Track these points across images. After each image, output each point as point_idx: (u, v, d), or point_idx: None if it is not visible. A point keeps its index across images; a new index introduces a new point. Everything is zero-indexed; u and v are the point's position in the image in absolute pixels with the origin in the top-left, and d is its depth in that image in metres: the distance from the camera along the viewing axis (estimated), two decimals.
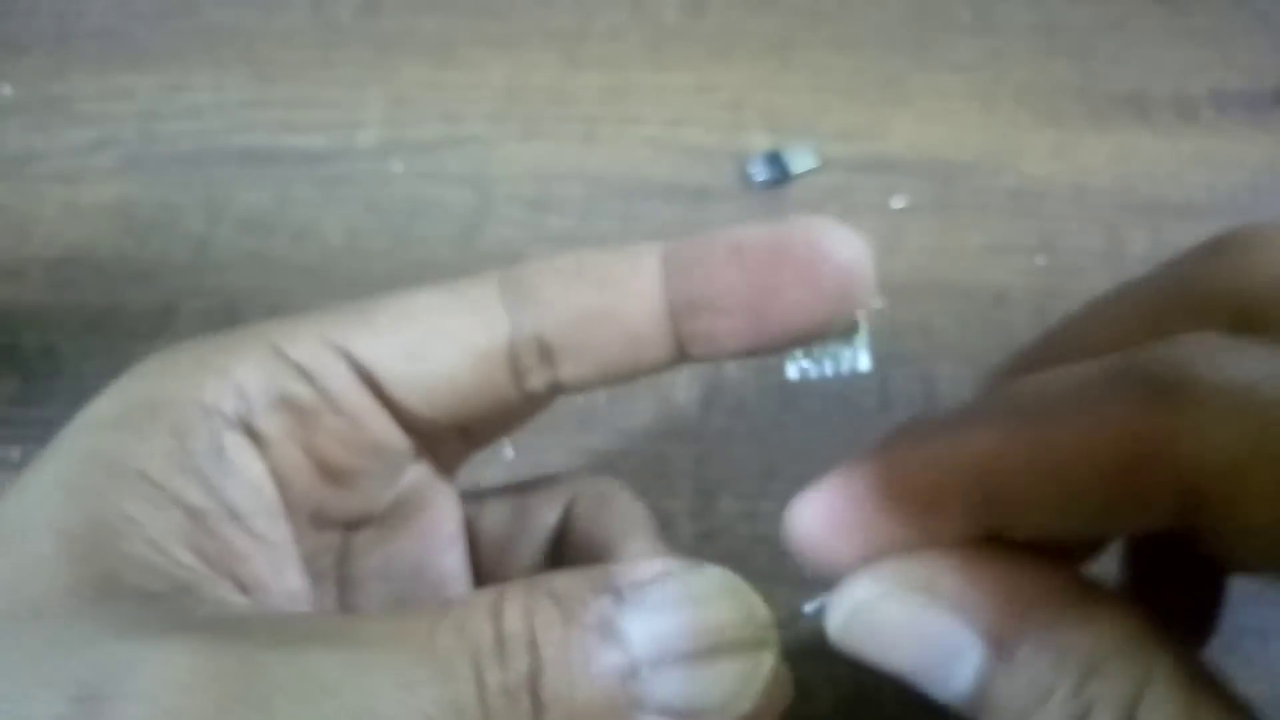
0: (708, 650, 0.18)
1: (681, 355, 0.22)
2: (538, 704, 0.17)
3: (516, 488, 0.27)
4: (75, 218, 0.45)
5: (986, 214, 0.44)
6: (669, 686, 0.17)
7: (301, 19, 0.50)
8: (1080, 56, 0.48)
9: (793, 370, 0.23)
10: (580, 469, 0.27)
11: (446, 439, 0.24)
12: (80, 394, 0.20)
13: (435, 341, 0.21)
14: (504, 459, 0.38)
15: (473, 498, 0.26)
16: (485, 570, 0.26)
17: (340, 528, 0.23)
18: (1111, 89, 0.47)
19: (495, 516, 0.26)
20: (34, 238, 0.45)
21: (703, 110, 0.47)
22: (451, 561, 0.25)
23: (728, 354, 0.22)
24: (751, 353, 0.22)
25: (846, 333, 0.22)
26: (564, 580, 0.18)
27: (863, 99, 0.47)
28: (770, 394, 0.40)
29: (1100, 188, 0.45)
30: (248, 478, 0.20)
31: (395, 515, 0.24)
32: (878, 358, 0.40)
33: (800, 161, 0.45)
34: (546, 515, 0.26)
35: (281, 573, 0.21)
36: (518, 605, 0.18)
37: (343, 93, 0.48)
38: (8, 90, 0.49)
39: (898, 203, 0.44)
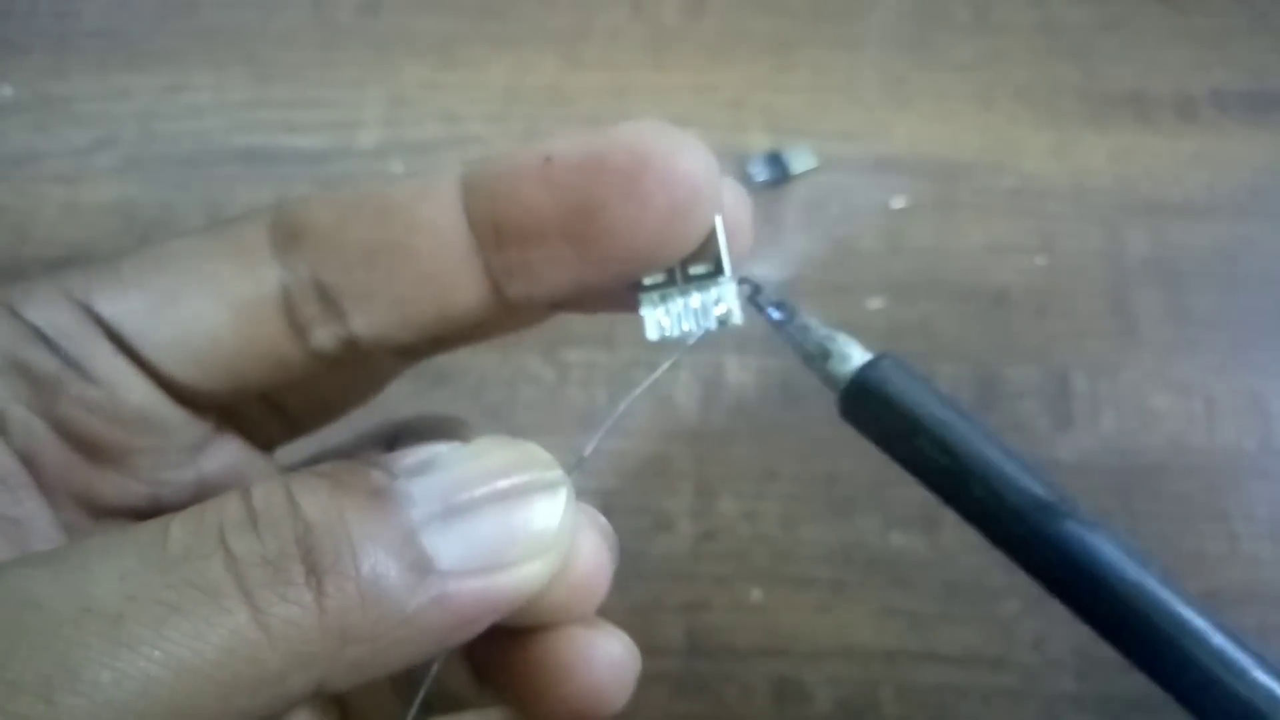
0: (498, 496, 0.16)
1: (499, 297, 0.19)
2: (314, 571, 0.15)
3: (344, 449, 0.24)
4: (75, 218, 0.45)
5: (986, 214, 0.44)
6: (464, 540, 0.16)
7: (301, 19, 0.50)
8: (1080, 56, 0.48)
9: (651, 327, 0.20)
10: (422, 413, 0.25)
11: (254, 415, 0.22)
12: None
13: (189, 291, 0.19)
14: None
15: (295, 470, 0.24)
16: None
17: (130, 516, 0.21)
18: (1111, 89, 0.47)
19: None
20: (34, 238, 0.45)
21: (703, 110, 0.47)
22: None
23: (553, 293, 0.19)
24: (584, 292, 0.19)
25: (706, 275, 0.19)
26: (328, 464, 0.16)
27: (863, 99, 0.47)
28: (770, 394, 0.40)
29: (1100, 188, 0.45)
30: None
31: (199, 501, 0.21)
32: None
33: (800, 161, 0.45)
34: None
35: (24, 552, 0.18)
36: (271, 484, 0.16)
37: (343, 93, 0.48)
38: (8, 90, 0.49)
39: (898, 203, 0.44)
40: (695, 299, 0.19)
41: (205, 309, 0.19)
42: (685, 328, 0.19)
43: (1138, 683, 0.38)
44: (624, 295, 0.20)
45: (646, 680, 0.34)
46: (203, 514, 0.15)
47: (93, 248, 0.44)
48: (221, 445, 0.21)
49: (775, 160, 0.45)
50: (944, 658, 0.36)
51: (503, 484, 0.16)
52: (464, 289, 0.19)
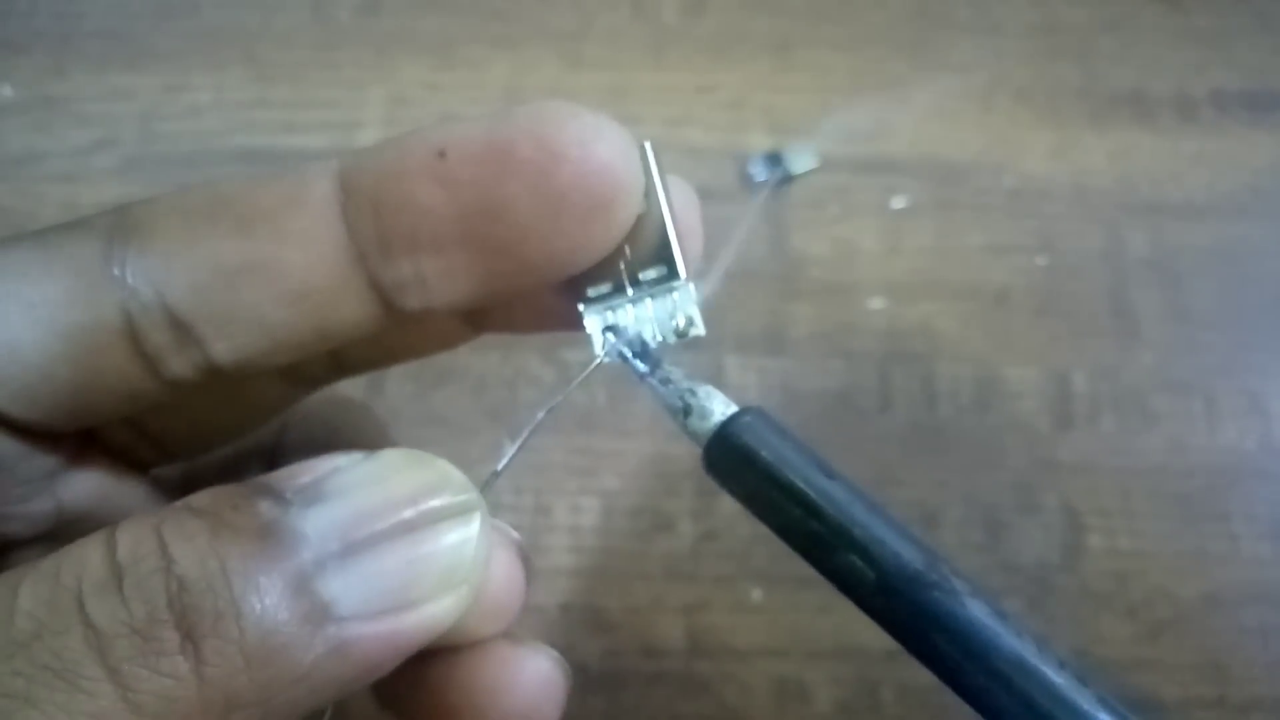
0: (404, 527, 0.14)
1: (390, 309, 0.16)
2: (190, 637, 0.13)
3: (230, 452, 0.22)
4: (75, 218, 0.45)
5: (986, 214, 0.44)
6: (366, 582, 0.14)
7: (301, 19, 0.50)
8: (1080, 56, 0.48)
9: (600, 345, 0.17)
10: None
11: (121, 438, 0.19)
12: None
13: (8, 320, 0.16)
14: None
15: (175, 484, 0.22)
16: None
17: None
18: (1111, 89, 0.47)
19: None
20: None
21: (703, 110, 0.47)
22: None
23: (456, 304, 0.16)
24: (488, 299, 0.16)
25: (658, 280, 0.17)
26: (209, 493, 0.14)
27: (863, 99, 0.47)
28: (770, 394, 0.40)
29: (1100, 188, 0.45)
30: None
31: (68, 531, 0.18)
32: (878, 357, 0.40)
33: (800, 161, 0.45)
34: (255, 465, 0.21)
35: None
36: (140, 528, 0.13)
37: (343, 93, 0.48)
38: (8, 90, 0.49)
39: (898, 203, 0.44)
40: (648, 307, 0.17)
41: (30, 340, 0.16)
42: (641, 342, 0.17)
43: (1137, 683, 0.38)
44: (562, 311, 0.17)
45: (647, 680, 0.35)
46: (58, 574, 0.13)
47: None
48: (82, 471, 0.19)
49: (775, 160, 0.45)
50: None
51: (409, 513, 0.14)
52: (346, 307, 0.16)
